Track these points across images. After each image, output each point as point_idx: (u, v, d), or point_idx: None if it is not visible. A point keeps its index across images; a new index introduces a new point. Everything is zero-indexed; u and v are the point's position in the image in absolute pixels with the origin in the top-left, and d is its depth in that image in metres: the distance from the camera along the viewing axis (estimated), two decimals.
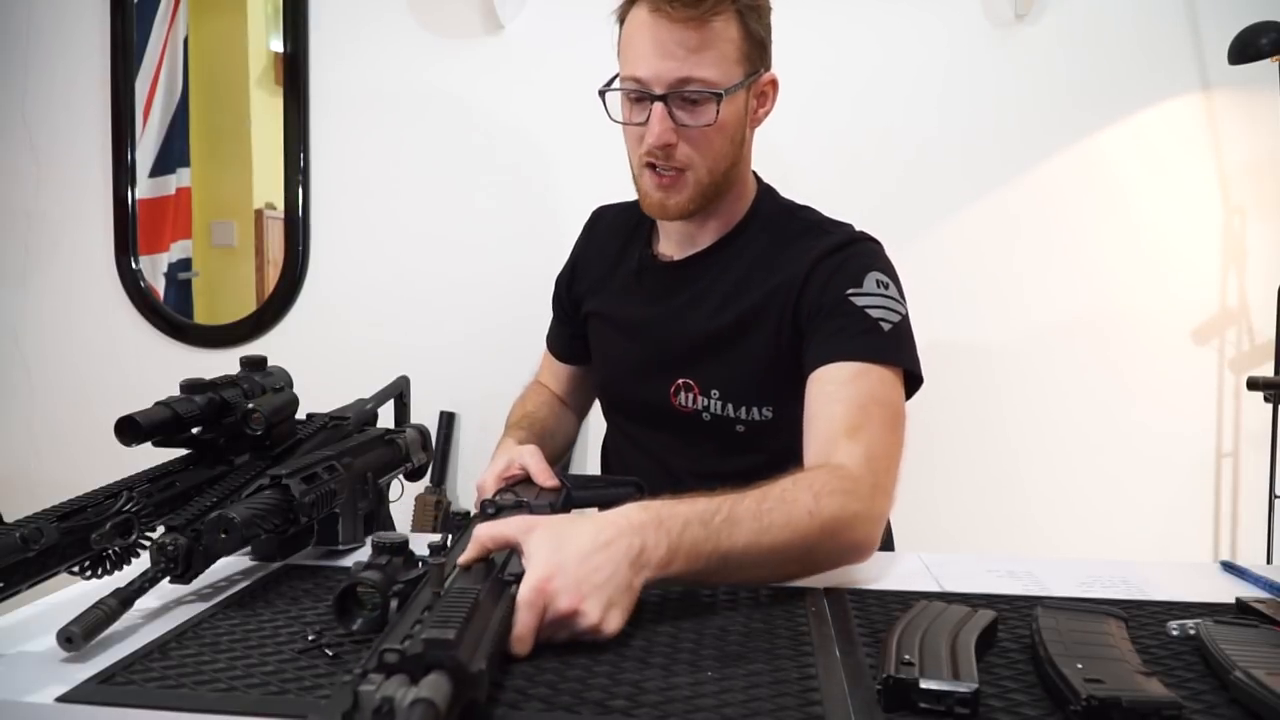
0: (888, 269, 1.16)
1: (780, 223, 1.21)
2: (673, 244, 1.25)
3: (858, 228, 1.22)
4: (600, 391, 1.36)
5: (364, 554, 0.92)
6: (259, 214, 2.34)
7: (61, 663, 0.68)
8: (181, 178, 2.38)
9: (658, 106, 1.09)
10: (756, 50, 1.12)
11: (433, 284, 2.23)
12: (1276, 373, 1.88)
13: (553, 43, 2.16)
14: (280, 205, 2.28)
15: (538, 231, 2.18)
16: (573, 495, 1.04)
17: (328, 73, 2.25)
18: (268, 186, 2.31)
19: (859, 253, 1.16)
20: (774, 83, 1.18)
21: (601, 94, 1.14)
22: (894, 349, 1.08)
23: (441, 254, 2.23)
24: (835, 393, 1.05)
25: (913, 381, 1.10)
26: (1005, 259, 2.07)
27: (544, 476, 1.05)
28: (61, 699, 0.62)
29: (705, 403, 1.19)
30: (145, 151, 2.36)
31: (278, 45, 2.27)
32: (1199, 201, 2.03)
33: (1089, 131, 2.04)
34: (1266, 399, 1.82)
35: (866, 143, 2.05)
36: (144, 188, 2.36)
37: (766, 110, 1.20)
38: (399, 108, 2.23)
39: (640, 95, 1.10)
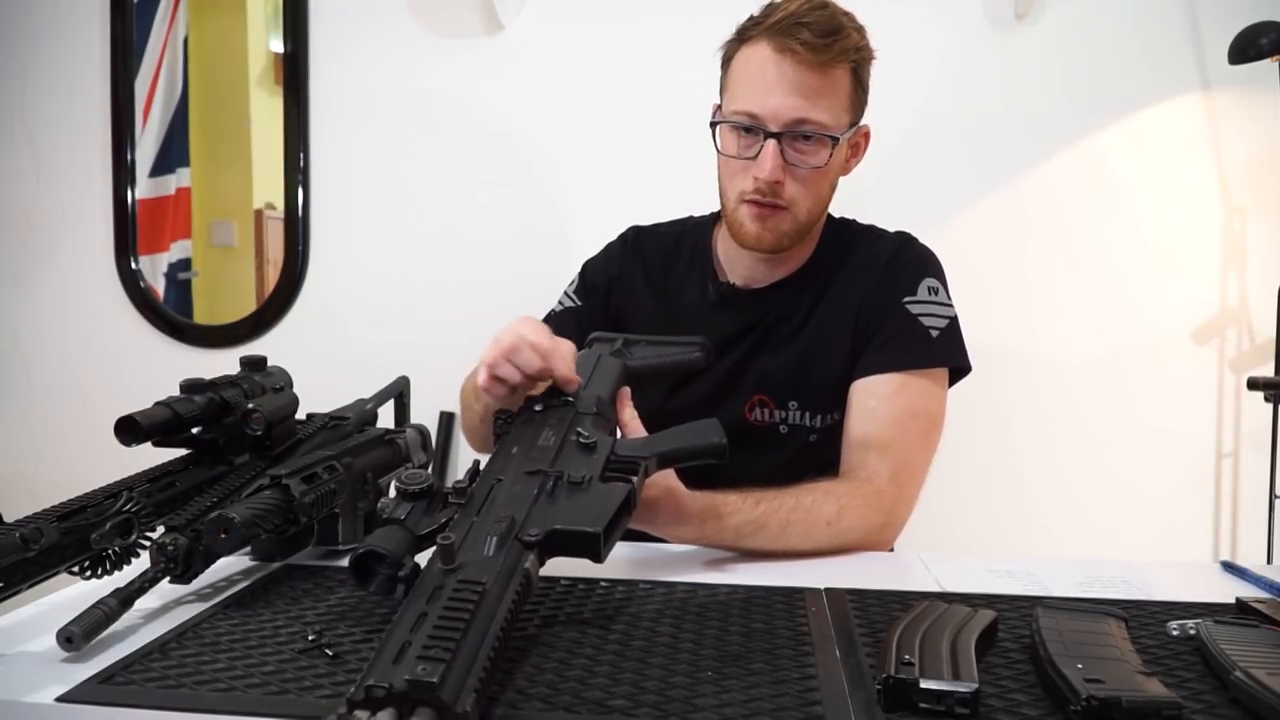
0: (937, 271, 1.23)
1: (843, 241, 1.26)
2: (740, 277, 1.26)
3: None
4: (658, 419, 1.20)
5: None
6: (259, 214, 2.34)
7: (61, 663, 0.68)
8: (181, 178, 2.38)
9: (770, 143, 1.11)
10: (860, 102, 1.17)
11: (433, 284, 2.23)
12: (1276, 373, 1.88)
13: (553, 43, 2.16)
14: (280, 205, 2.28)
15: (538, 231, 2.18)
16: (630, 366, 1.05)
17: (328, 73, 2.25)
18: (268, 186, 2.31)
19: (914, 257, 1.23)
20: (867, 135, 1.23)
21: (713, 126, 1.16)
22: (941, 353, 1.17)
23: (442, 254, 2.23)
24: (875, 408, 1.14)
25: (961, 371, 1.20)
26: (1005, 259, 2.06)
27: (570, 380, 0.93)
28: (61, 699, 0.62)
29: (782, 415, 1.21)
30: (145, 151, 2.35)
31: (278, 45, 2.27)
32: (1199, 201, 2.03)
33: (1089, 132, 2.04)
34: (1266, 399, 1.82)
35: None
36: (144, 188, 2.36)
37: (857, 161, 1.24)
38: (399, 108, 2.23)
39: (753, 130, 1.12)
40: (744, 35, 1.15)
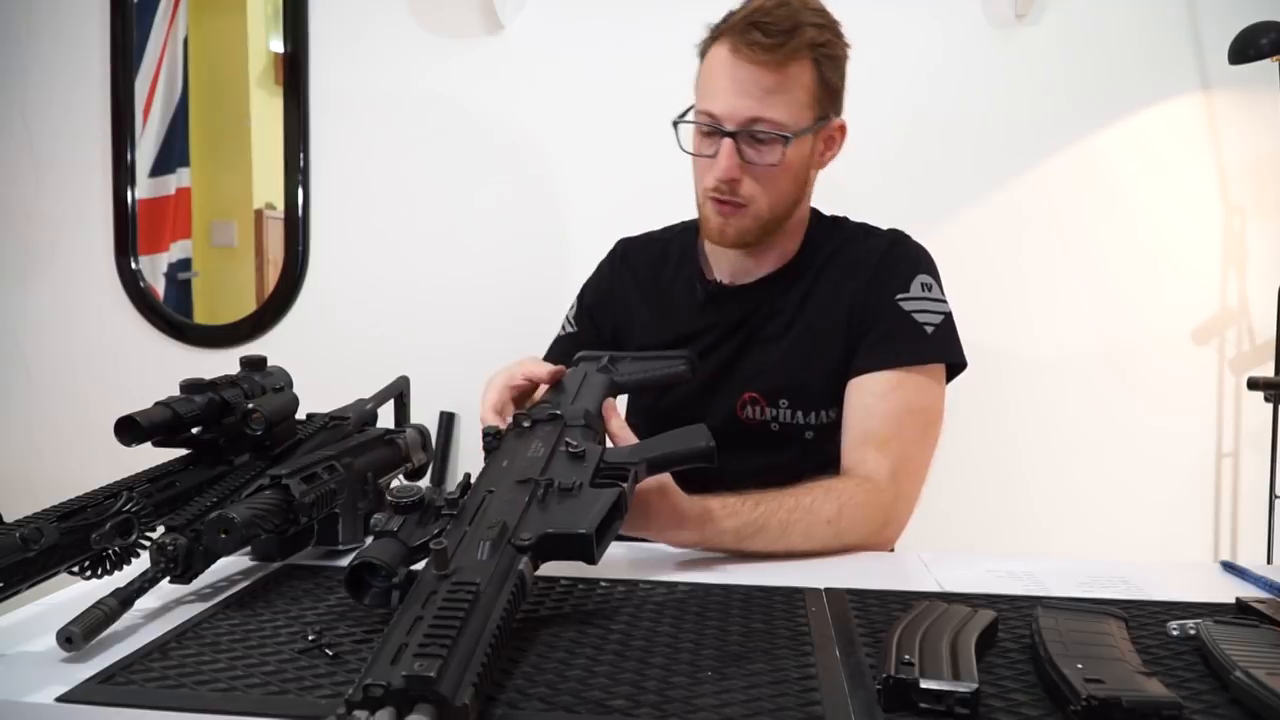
0: (930, 267, 1.23)
1: (834, 238, 1.26)
2: (725, 274, 1.27)
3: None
4: (651, 420, 1.25)
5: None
6: (259, 214, 2.34)
7: (61, 663, 0.68)
8: (181, 178, 2.38)
9: (726, 142, 1.12)
10: (829, 97, 1.17)
11: (433, 284, 2.23)
12: (1276, 373, 1.88)
13: (552, 43, 2.16)
14: (280, 205, 2.28)
15: (538, 231, 2.18)
16: (616, 382, 1.07)
17: (328, 73, 2.25)
18: (268, 186, 2.31)
19: (906, 254, 1.23)
20: (843, 129, 1.23)
21: (675, 124, 1.18)
22: (936, 349, 1.16)
23: (442, 254, 2.23)
24: (873, 405, 1.14)
25: (957, 367, 1.19)
26: (1005, 259, 2.06)
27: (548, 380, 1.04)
28: (61, 699, 0.62)
29: (774, 413, 1.21)
30: (145, 151, 2.35)
31: (278, 45, 2.27)
32: (1199, 201, 2.03)
33: (1089, 132, 2.04)
34: (1266, 399, 1.82)
35: (865, 144, 2.02)
36: (144, 188, 2.36)
37: (832, 154, 1.24)
38: (399, 107, 2.23)
39: (711, 129, 1.14)
40: (715, 34, 1.16)
